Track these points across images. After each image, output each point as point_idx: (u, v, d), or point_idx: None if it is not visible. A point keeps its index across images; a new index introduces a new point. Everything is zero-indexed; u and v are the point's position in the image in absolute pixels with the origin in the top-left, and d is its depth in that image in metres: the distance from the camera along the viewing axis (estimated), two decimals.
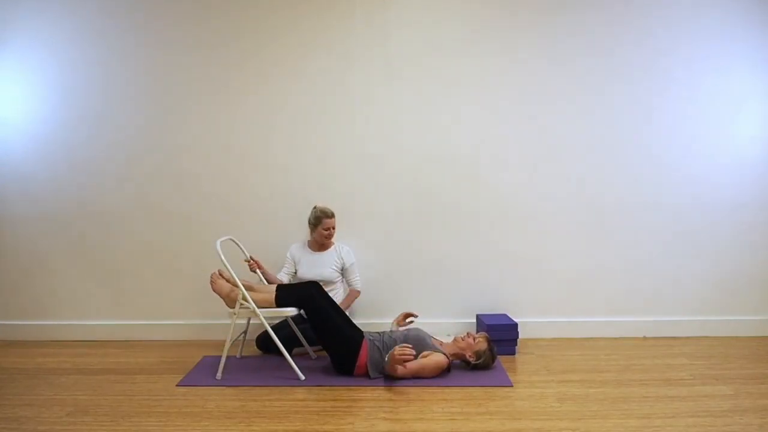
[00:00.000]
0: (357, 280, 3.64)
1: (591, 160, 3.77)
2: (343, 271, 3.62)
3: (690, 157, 3.76)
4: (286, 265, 3.63)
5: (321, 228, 3.51)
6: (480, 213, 3.80)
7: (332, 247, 3.64)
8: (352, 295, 3.64)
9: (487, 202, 3.79)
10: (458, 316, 3.82)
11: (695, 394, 2.68)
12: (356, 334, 3.03)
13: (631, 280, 3.80)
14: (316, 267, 3.56)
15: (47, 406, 2.61)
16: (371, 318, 3.79)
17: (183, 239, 3.83)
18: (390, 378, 2.88)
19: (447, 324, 3.78)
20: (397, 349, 2.75)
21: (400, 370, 2.85)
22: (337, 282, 3.61)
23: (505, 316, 3.64)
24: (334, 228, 3.55)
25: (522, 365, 3.19)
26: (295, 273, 3.62)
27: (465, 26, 3.75)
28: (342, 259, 3.60)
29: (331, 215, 3.54)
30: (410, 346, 2.80)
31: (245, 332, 3.46)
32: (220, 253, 2.96)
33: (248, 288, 3.05)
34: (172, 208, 3.83)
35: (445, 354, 2.96)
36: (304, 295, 2.98)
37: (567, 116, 3.76)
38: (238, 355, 3.39)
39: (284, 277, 3.59)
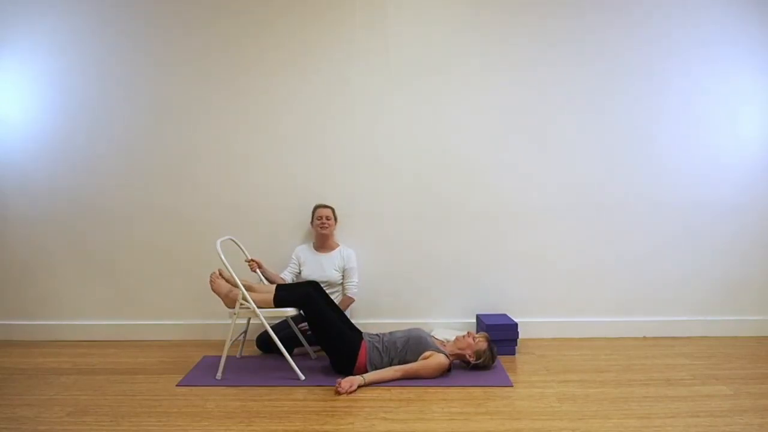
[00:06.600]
0: (353, 285, 3.56)
1: (591, 160, 3.77)
2: (343, 273, 3.60)
3: (690, 158, 3.76)
4: (290, 265, 3.62)
5: (315, 218, 3.57)
6: (480, 213, 3.80)
7: (337, 249, 3.64)
8: (346, 301, 3.54)
9: (488, 202, 3.80)
10: (458, 316, 3.82)
11: (695, 394, 2.68)
12: (355, 334, 3.03)
13: (632, 279, 3.80)
14: (320, 268, 3.55)
15: (47, 406, 2.60)
16: (371, 318, 3.79)
17: (183, 239, 3.83)
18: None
19: (447, 323, 3.79)
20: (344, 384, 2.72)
21: (400, 372, 2.85)
22: (340, 284, 3.60)
23: (505, 316, 3.64)
24: (328, 218, 3.56)
25: (522, 365, 3.19)
26: (300, 273, 3.62)
27: (466, 29, 3.75)
28: (344, 260, 3.59)
29: (326, 206, 3.60)
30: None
31: (245, 332, 3.46)
32: (221, 252, 2.95)
33: (248, 288, 3.04)
34: (173, 208, 3.83)
35: (446, 354, 2.96)
36: (303, 295, 2.98)
37: (567, 117, 3.76)
38: (238, 355, 3.39)
39: (288, 277, 3.58)
